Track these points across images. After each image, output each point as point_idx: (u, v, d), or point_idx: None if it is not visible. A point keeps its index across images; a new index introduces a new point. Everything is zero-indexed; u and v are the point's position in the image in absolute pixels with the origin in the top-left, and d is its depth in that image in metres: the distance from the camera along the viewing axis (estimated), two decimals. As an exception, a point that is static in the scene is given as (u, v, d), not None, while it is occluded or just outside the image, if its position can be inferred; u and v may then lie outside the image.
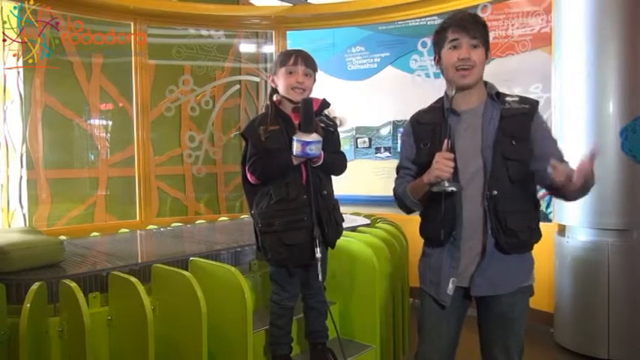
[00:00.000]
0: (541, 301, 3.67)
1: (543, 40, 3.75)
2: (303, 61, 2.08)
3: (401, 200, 1.90)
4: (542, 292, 3.62)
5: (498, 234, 1.71)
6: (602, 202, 3.10)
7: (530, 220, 1.77)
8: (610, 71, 3.08)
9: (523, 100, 1.81)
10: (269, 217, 2.04)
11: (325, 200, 2.09)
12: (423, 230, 1.89)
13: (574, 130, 3.23)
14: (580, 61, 3.19)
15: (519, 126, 1.74)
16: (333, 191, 2.17)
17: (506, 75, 3.90)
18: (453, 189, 1.68)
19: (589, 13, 3.14)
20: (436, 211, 1.77)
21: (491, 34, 3.93)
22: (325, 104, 2.14)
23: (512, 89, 3.86)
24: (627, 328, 3.08)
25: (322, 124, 2.07)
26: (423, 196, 1.80)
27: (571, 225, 3.31)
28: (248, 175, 2.11)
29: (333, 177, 2.20)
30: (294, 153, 1.97)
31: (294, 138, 1.97)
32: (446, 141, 1.70)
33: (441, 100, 1.87)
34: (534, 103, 1.80)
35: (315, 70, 2.12)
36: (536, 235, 1.79)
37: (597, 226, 3.15)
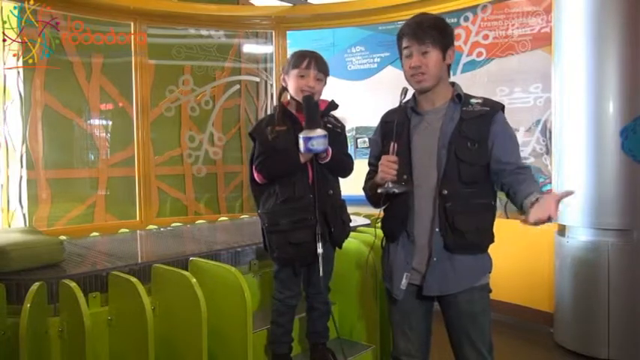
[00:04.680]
0: (541, 301, 3.68)
1: (543, 40, 3.75)
2: (315, 65, 2.07)
3: (366, 195, 1.97)
4: (542, 292, 3.65)
5: (446, 233, 1.74)
6: (602, 202, 3.11)
7: (480, 222, 1.77)
8: (610, 71, 3.08)
9: (485, 102, 1.81)
10: (275, 216, 2.05)
11: (331, 199, 2.10)
12: (382, 226, 1.94)
13: (574, 130, 3.23)
14: (580, 61, 3.19)
15: (477, 128, 1.75)
16: (340, 192, 2.18)
17: (507, 75, 3.90)
18: (395, 191, 1.76)
19: (589, 13, 3.14)
20: (391, 207, 1.86)
21: (491, 34, 3.99)
22: (333, 105, 2.16)
23: (513, 89, 3.87)
24: (627, 328, 3.08)
25: (330, 125, 2.10)
26: (377, 196, 1.86)
27: (571, 225, 3.31)
28: (255, 175, 2.11)
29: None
30: (300, 150, 1.99)
31: (299, 135, 1.98)
32: (392, 144, 1.78)
33: (410, 100, 1.91)
34: (495, 106, 1.80)
35: (326, 74, 2.12)
36: (487, 237, 1.79)
37: (597, 226, 3.15)
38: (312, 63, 2.07)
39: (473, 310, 1.79)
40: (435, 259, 1.77)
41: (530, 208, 1.57)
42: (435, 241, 1.76)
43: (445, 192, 1.74)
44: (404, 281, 1.82)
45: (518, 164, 1.77)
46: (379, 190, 1.79)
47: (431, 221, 1.77)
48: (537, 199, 1.58)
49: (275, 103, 2.19)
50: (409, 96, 1.87)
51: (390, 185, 1.76)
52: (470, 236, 1.74)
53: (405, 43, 1.81)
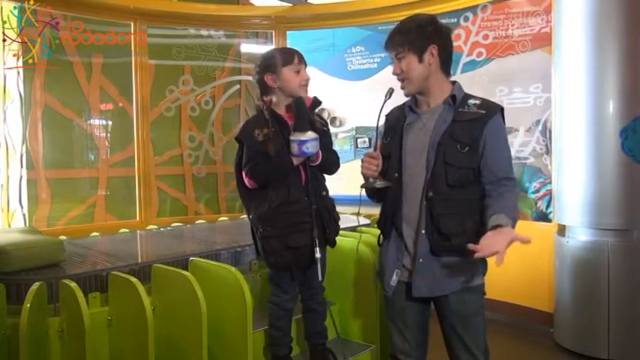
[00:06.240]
0: (541, 301, 3.68)
1: (543, 40, 3.75)
2: (303, 59, 2.10)
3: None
4: (542, 292, 3.65)
5: (432, 236, 1.73)
6: (602, 202, 3.11)
7: (468, 224, 1.73)
8: (610, 71, 3.08)
9: (483, 104, 1.78)
10: (271, 220, 2.02)
11: (324, 200, 2.09)
12: (377, 223, 1.95)
13: (574, 130, 3.23)
14: (580, 61, 3.19)
15: (469, 132, 1.73)
16: (328, 190, 2.18)
17: (506, 75, 3.90)
18: (376, 186, 1.80)
19: (589, 13, 3.14)
20: (383, 205, 1.89)
21: (491, 34, 3.98)
22: (317, 102, 2.14)
23: (512, 89, 3.87)
24: (627, 328, 3.08)
25: (316, 124, 2.08)
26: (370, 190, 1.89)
27: (571, 225, 3.31)
28: (245, 180, 2.08)
29: (329, 176, 2.20)
30: (293, 153, 1.97)
31: (291, 138, 1.97)
32: (377, 141, 1.82)
33: (411, 98, 1.90)
34: (492, 109, 1.77)
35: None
36: (477, 239, 1.73)
37: (597, 226, 3.15)
38: (301, 57, 2.09)
39: (465, 312, 1.78)
40: (420, 260, 1.76)
41: (483, 236, 1.61)
42: (421, 243, 1.75)
43: (431, 194, 1.73)
44: (394, 278, 1.82)
45: (502, 175, 1.73)
46: (361, 185, 1.83)
47: (417, 222, 1.76)
48: (495, 227, 1.60)
49: (256, 102, 2.15)
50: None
51: (371, 180, 1.80)
52: (456, 239, 1.71)
53: (387, 52, 1.84)
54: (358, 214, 2.00)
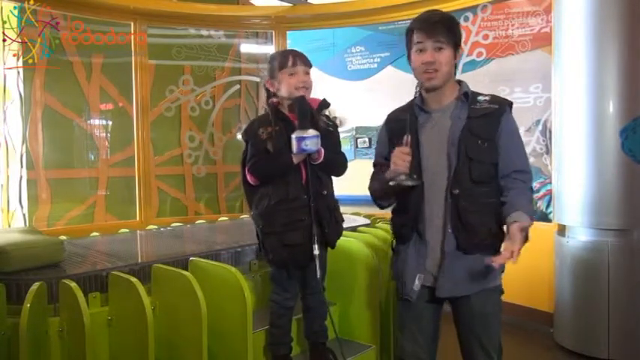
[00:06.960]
0: (541, 301, 3.68)
1: (543, 40, 3.75)
2: (301, 61, 2.09)
3: (372, 196, 1.93)
4: (542, 292, 3.65)
5: (459, 232, 1.72)
6: (602, 202, 3.11)
7: (492, 222, 1.74)
8: (610, 71, 3.08)
9: (493, 99, 1.80)
10: (269, 217, 2.04)
11: (326, 200, 2.09)
12: (392, 226, 1.92)
13: (574, 130, 3.23)
14: (580, 61, 3.18)
15: (486, 126, 1.74)
16: (333, 191, 2.17)
17: (507, 75, 3.90)
18: (409, 183, 1.71)
19: (589, 13, 3.14)
20: (401, 206, 1.84)
21: (491, 34, 3.99)
22: (325, 104, 2.15)
23: (513, 89, 3.87)
24: (627, 328, 3.08)
25: (322, 124, 2.08)
26: (386, 192, 1.83)
27: (571, 225, 3.31)
28: (248, 176, 2.11)
29: (335, 178, 2.20)
30: (293, 151, 1.98)
31: (292, 136, 1.98)
32: (405, 137, 1.73)
33: (417, 98, 1.88)
34: (504, 104, 1.79)
35: (310, 67, 2.13)
36: (499, 237, 1.76)
37: (597, 226, 3.14)
38: (297, 59, 2.07)
39: (485, 312, 1.78)
40: (447, 260, 1.75)
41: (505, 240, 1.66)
42: (448, 243, 1.74)
43: (456, 191, 1.72)
44: (417, 282, 1.79)
45: (515, 168, 1.74)
46: (391, 183, 1.73)
47: (443, 222, 1.75)
48: (512, 224, 1.63)
49: (263, 105, 2.18)
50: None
51: (403, 177, 1.71)
52: (482, 235, 1.72)
53: (418, 38, 1.76)
54: (374, 217, 1.98)
